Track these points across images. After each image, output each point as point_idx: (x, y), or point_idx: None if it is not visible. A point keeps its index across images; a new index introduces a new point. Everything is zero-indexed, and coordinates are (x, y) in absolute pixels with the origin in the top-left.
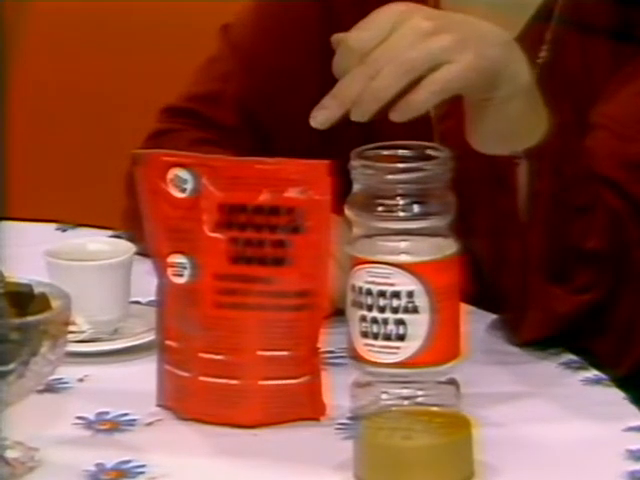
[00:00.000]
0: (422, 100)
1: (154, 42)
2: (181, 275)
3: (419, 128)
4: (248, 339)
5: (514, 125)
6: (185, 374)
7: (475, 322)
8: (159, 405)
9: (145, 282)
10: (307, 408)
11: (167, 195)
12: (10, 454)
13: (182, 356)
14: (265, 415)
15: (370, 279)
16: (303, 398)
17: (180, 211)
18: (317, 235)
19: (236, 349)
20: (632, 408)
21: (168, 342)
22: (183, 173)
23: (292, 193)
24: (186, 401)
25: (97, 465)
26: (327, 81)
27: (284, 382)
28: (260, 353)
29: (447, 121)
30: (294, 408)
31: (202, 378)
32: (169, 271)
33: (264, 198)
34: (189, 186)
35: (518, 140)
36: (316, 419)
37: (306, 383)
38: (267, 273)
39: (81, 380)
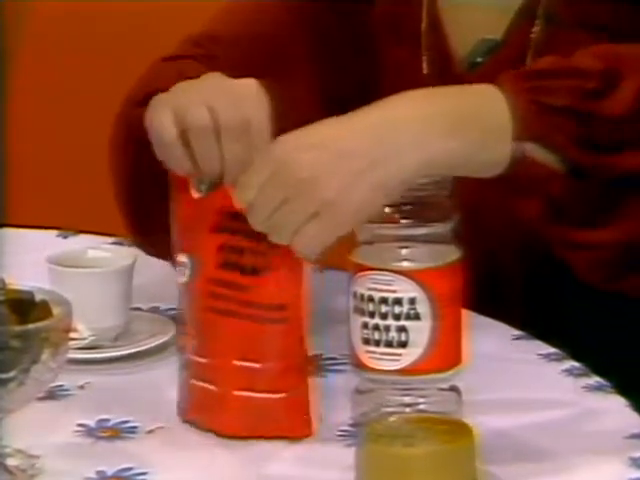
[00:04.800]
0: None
1: (156, 43)
2: (183, 274)
3: None
4: (225, 346)
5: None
6: (185, 374)
7: (477, 328)
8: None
9: (146, 289)
10: (284, 425)
11: (187, 195)
12: (11, 462)
13: (184, 357)
14: (242, 426)
15: (372, 286)
16: (279, 414)
17: (193, 211)
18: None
19: (215, 355)
20: (634, 415)
21: (184, 342)
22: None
23: None
24: (185, 402)
25: (98, 472)
26: None
27: (258, 395)
28: (235, 362)
29: None
30: (271, 423)
31: (192, 380)
32: (177, 270)
33: None
34: (204, 187)
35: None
36: (294, 438)
37: (282, 399)
38: (244, 282)
39: (82, 387)
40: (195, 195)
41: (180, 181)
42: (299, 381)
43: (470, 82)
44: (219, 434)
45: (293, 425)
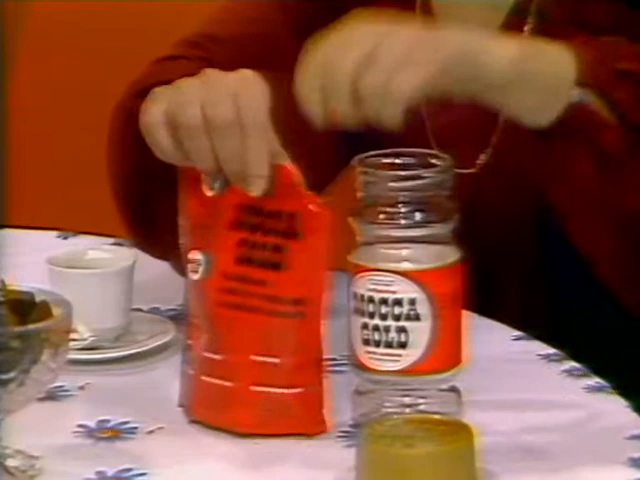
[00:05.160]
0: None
1: (156, 43)
2: (196, 272)
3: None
4: (242, 341)
5: (538, 96)
6: (191, 372)
7: (477, 329)
8: (181, 405)
9: (146, 289)
10: (300, 421)
11: (199, 193)
12: (11, 462)
13: (192, 354)
14: (257, 422)
15: (372, 287)
16: (295, 409)
17: (206, 209)
18: (313, 243)
19: (231, 350)
20: (635, 416)
21: (189, 341)
22: None
23: (294, 199)
24: (191, 400)
25: (98, 473)
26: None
27: (274, 390)
28: (252, 357)
29: (440, 116)
30: (286, 419)
31: (203, 377)
32: (189, 267)
33: (276, 202)
34: (217, 185)
35: (556, 97)
36: (310, 434)
37: (298, 394)
38: (265, 276)
39: (82, 388)
40: (208, 193)
41: (191, 179)
42: (315, 376)
43: None
44: (231, 431)
45: (308, 421)
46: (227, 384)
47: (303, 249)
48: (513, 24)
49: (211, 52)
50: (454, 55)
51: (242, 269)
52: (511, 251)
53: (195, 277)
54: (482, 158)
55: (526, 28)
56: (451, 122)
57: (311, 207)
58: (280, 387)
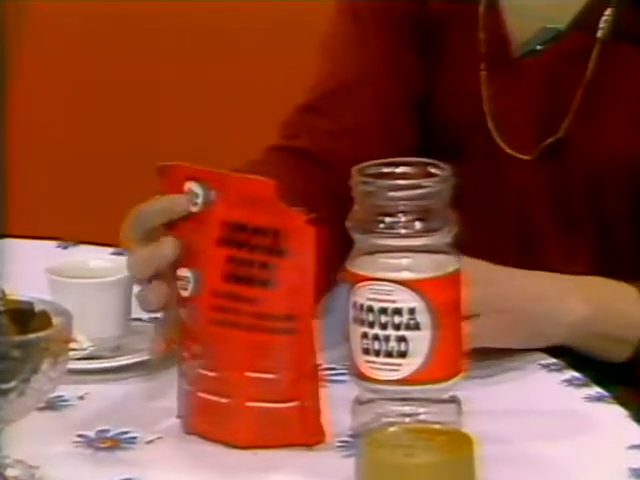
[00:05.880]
0: None
1: (156, 43)
2: (186, 289)
3: (471, 107)
4: (236, 358)
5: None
6: (189, 388)
7: None
8: (179, 416)
9: None
10: (298, 433)
11: None
12: (10, 472)
13: (187, 367)
14: (256, 436)
15: (372, 296)
16: (293, 423)
17: (190, 225)
18: (300, 259)
19: (226, 367)
20: (635, 426)
21: (184, 354)
22: (196, 187)
23: (279, 216)
24: (189, 415)
25: None
26: None
27: (272, 405)
28: (248, 374)
29: (500, 99)
30: (284, 432)
31: (200, 394)
32: (178, 284)
33: (260, 219)
34: (200, 200)
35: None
36: (309, 445)
37: (296, 408)
38: (253, 294)
39: (82, 398)
40: (192, 209)
41: (174, 194)
42: (312, 389)
43: (525, 68)
44: (231, 445)
45: (306, 432)
46: (223, 400)
47: (290, 266)
48: (587, 23)
49: (315, 120)
50: (508, 318)
51: (231, 286)
52: (556, 245)
53: (185, 294)
54: (539, 148)
55: (601, 26)
56: (512, 108)
57: (296, 223)
58: (277, 402)
